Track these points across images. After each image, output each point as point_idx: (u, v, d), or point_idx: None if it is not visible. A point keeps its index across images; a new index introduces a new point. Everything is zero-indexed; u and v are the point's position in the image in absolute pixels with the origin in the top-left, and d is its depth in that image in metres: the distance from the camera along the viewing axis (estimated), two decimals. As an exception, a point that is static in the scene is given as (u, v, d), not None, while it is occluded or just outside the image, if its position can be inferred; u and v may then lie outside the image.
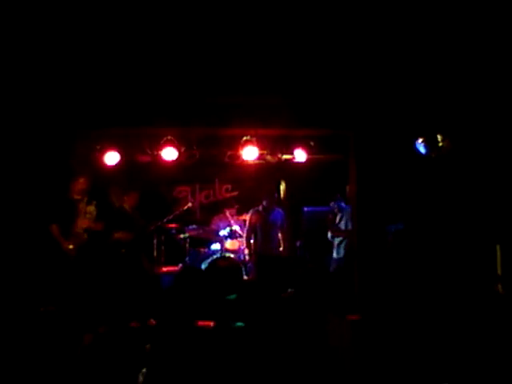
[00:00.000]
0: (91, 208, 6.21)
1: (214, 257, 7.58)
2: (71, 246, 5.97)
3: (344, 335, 3.62)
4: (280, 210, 7.46)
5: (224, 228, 7.92)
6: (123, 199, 6.68)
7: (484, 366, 2.95)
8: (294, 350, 3.35)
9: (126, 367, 3.62)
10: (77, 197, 6.17)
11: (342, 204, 7.17)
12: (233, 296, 4.37)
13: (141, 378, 3.05)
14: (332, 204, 7.25)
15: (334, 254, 7.12)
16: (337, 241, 7.12)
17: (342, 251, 7.03)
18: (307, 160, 7.47)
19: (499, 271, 5.70)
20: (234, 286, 6.67)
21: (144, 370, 3.09)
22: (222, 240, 7.88)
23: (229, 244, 7.84)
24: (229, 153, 7.57)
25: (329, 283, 6.76)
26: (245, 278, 7.25)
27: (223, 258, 7.54)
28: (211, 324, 4.13)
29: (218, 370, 3.09)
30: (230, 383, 3.11)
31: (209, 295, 6.38)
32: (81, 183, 6.19)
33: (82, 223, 6.12)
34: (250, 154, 7.04)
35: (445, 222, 6.33)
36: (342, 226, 7.11)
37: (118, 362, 3.74)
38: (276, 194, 7.68)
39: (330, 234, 7.21)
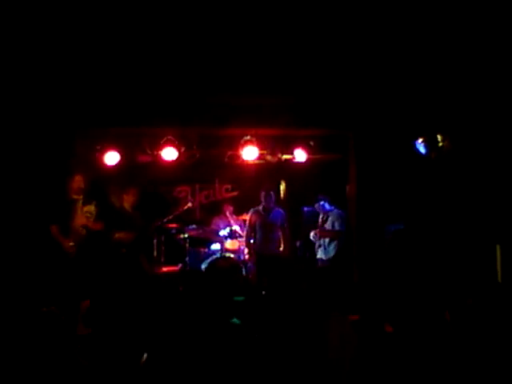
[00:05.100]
0: (91, 208, 6.17)
1: (214, 257, 7.57)
2: (71, 244, 5.96)
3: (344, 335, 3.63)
4: (280, 210, 7.44)
5: (224, 228, 7.91)
6: (123, 198, 6.66)
7: (484, 366, 2.95)
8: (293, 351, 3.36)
9: (125, 366, 3.63)
10: (75, 196, 6.11)
11: (326, 205, 7.10)
12: (241, 298, 4.30)
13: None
14: (316, 205, 7.20)
15: (321, 255, 7.06)
16: (326, 241, 7.04)
17: (332, 252, 6.97)
18: (307, 160, 7.46)
19: (499, 271, 5.72)
20: (234, 287, 6.65)
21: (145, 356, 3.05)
22: (221, 240, 7.87)
23: (229, 244, 7.83)
24: (229, 153, 7.56)
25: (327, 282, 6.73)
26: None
27: (223, 258, 7.53)
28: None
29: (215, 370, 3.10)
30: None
31: (209, 296, 6.37)
32: (77, 181, 6.09)
33: (80, 221, 6.07)
34: (249, 153, 7.04)
35: (445, 221, 6.33)
36: (328, 227, 7.05)
37: (117, 361, 3.75)
38: (275, 194, 7.67)
39: (312, 235, 7.16)
